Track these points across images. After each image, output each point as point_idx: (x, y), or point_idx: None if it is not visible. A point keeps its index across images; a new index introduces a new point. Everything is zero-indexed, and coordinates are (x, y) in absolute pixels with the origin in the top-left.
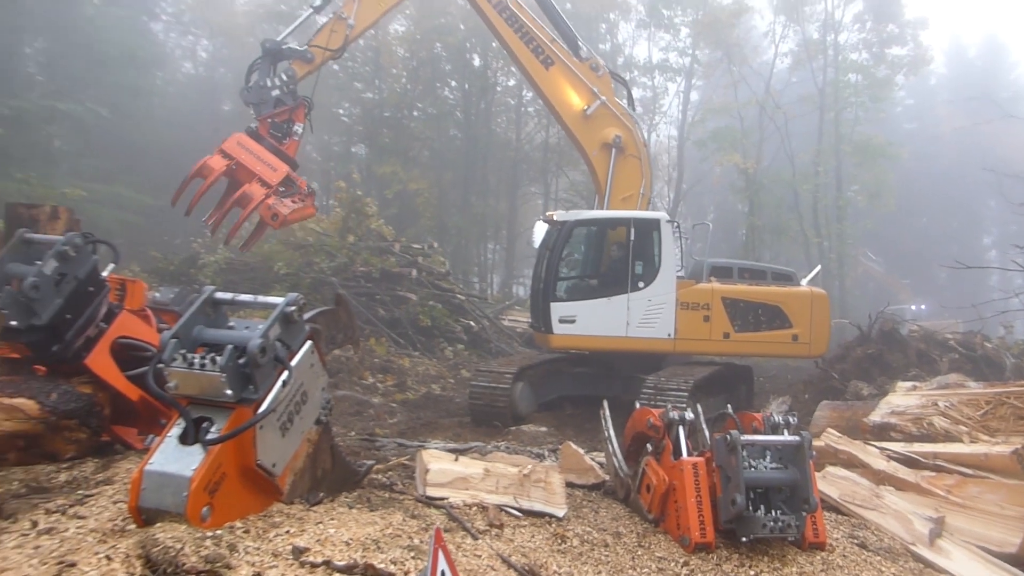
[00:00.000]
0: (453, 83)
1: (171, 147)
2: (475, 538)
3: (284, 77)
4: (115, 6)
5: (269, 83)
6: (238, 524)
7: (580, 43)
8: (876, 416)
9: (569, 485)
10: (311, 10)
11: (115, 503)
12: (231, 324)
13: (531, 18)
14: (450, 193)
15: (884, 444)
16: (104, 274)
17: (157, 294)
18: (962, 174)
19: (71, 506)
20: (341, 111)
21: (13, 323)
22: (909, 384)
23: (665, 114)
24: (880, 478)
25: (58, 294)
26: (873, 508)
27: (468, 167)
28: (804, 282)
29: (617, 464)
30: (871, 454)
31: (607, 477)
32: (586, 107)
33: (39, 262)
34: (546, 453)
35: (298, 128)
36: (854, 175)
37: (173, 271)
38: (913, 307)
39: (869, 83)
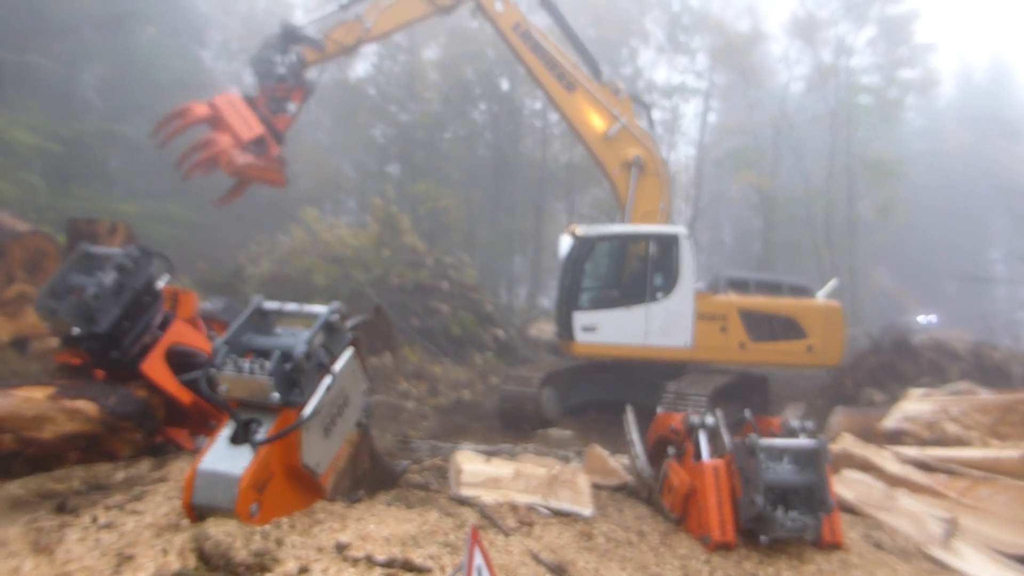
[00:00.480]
0: (483, 106)
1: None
2: (506, 535)
3: (294, 58)
4: (168, 35)
5: (278, 59)
6: (284, 520)
7: (601, 68)
8: (890, 422)
9: (595, 486)
10: (338, 7)
11: (170, 500)
12: (278, 332)
13: (554, 45)
14: (479, 210)
15: (898, 448)
16: (159, 285)
17: (207, 304)
18: (970, 190)
19: (129, 502)
20: (377, 132)
21: (75, 331)
22: (921, 391)
23: (684, 134)
24: (894, 481)
25: (117, 303)
26: (888, 510)
27: (496, 185)
28: (820, 295)
29: (640, 466)
30: (885, 458)
31: (631, 478)
32: (607, 129)
33: (99, 273)
34: (572, 455)
35: (292, 107)
36: (865, 192)
37: (220, 283)
38: (923, 318)
39: (880, 104)
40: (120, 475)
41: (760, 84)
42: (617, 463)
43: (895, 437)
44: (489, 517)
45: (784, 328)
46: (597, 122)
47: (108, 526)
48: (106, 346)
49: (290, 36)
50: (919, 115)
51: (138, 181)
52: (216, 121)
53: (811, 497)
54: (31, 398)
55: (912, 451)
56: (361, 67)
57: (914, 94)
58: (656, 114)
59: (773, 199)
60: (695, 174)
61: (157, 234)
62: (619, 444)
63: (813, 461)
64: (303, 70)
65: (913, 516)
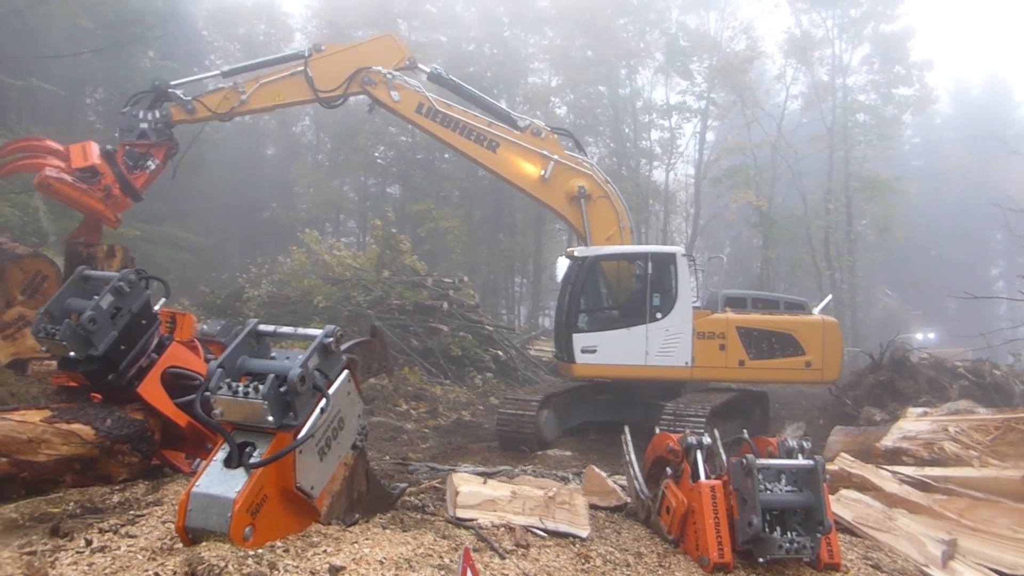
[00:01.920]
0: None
1: (219, 189)
2: (502, 558)
3: (157, 115)
4: (169, 59)
5: (142, 115)
6: (278, 543)
7: (514, 116)
8: (888, 441)
9: (592, 507)
10: (220, 72)
11: (164, 523)
12: (273, 355)
13: (463, 112)
14: (479, 230)
15: (896, 468)
16: (156, 308)
17: (205, 326)
18: (969, 208)
19: (123, 526)
20: (377, 154)
21: (72, 354)
22: (920, 410)
23: (682, 154)
24: (893, 501)
25: (113, 327)
26: (886, 530)
27: (496, 206)
28: (816, 311)
29: (638, 487)
30: (884, 478)
31: (629, 499)
32: (542, 172)
33: (96, 297)
34: (570, 476)
35: (151, 164)
36: (864, 210)
37: (220, 304)
38: (922, 336)
39: (877, 122)
40: (115, 498)
41: (757, 103)
42: (615, 484)
43: (894, 456)
44: (485, 539)
45: (782, 345)
46: (530, 169)
47: (102, 549)
48: (103, 369)
49: (160, 93)
50: (916, 133)
51: (139, 204)
52: (61, 155)
53: (809, 518)
54: (27, 421)
55: (911, 471)
56: None
57: (911, 112)
58: (655, 134)
59: (772, 218)
60: (694, 193)
61: (159, 256)
62: (618, 465)
63: (810, 481)
64: (168, 128)
65: (912, 537)
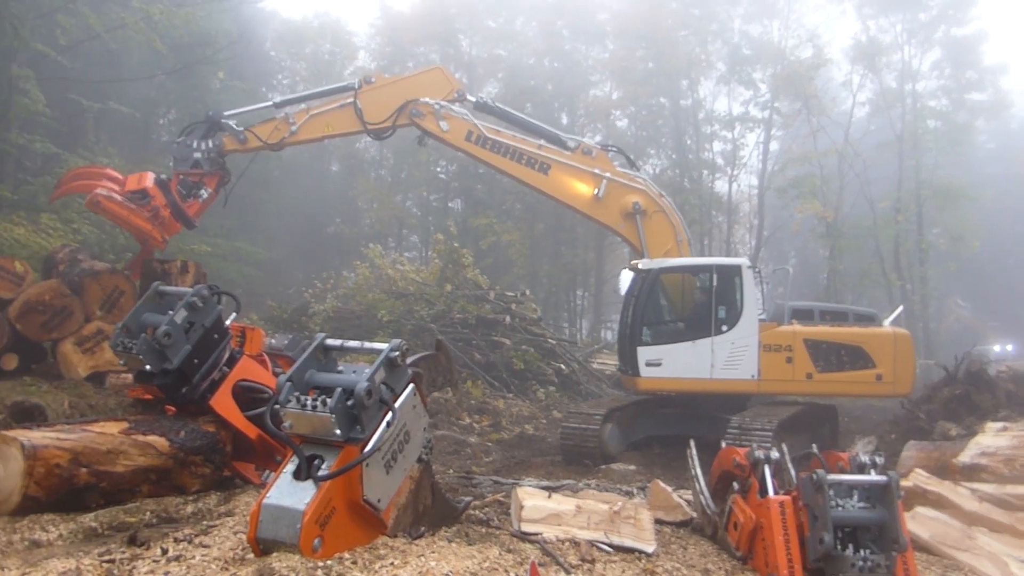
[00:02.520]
0: (543, 141)
1: (285, 206)
2: (568, 572)
3: (210, 144)
4: (237, 79)
5: (195, 145)
6: (346, 555)
7: (563, 136)
8: (965, 457)
9: (658, 522)
10: (271, 103)
11: (236, 533)
12: (340, 368)
13: (512, 136)
14: (541, 243)
15: (975, 485)
16: (227, 322)
17: (273, 340)
18: None
19: (197, 535)
20: (439, 169)
21: (148, 367)
22: (999, 425)
23: (745, 164)
24: (972, 519)
25: (187, 341)
26: (966, 550)
27: (557, 218)
28: (887, 323)
29: (704, 502)
30: (961, 495)
31: (695, 514)
32: (596, 191)
33: (171, 312)
34: (635, 491)
35: (204, 192)
36: (936, 218)
37: (286, 319)
38: (998, 348)
39: (948, 128)
40: (189, 508)
41: (823, 111)
42: (680, 498)
43: (971, 473)
44: (550, 554)
45: (852, 357)
46: (583, 188)
47: (177, 559)
48: (177, 382)
49: (212, 123)
50: (991, 138)
51: (210, 220)
52: (117, 181)
53: (882, 535)
54: (105, 433)
55: (990, 488)
56: None
57: (984, 117)
58: (717, 146)
59: (839, 228)
60: (758, 204)
61: (228, 272)
62: (683, 479)
63: (884, 497)
64: (221, 158)
65: (994, 557)
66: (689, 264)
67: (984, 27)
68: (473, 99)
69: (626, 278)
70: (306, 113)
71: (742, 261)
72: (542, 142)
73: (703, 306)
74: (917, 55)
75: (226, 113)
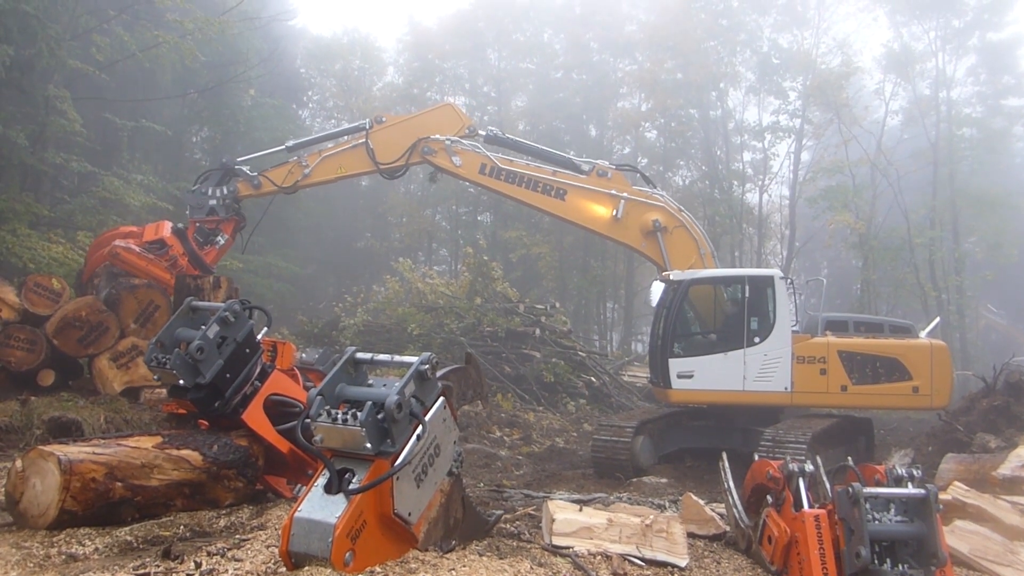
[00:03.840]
0: (571, 152)
1: (315, 221)
2: None
3: (225, 191)
4: (269, 96)
5: (210, 192)
6: (377, 569)
7: (576, 161)
8: (1006, 469)
9: (690, 535)
10: (283, 147)
11: (268, 547)
12: (370, 382)
13: (525, 166)
14: (571, 256)
15: (1016, 498)
16: (259, 337)
17: (304, 355)
18: None
19: (230, 549)
20: (467, 183)
21: (181, 382)
22: None
23: (776, 174)
24: (1014, 533)
25: (219, 355)
26: (1008, 564)
27: (587, 231)
28: (923, 334)
29: (738, 515)
30: (1002, 508)
31: (728, 528)
32: (614, 212)
33: (204, 327)
34: (667, 504)
35: (220, 239)
36: (972, 227)
37: (317, 333)
38: None
39: (985, 136)
40: (222, 522)
41: (855, 120)
42: (713, 512)
43: (1012, 485)
44: (582, 567)
45: (887, 369)
46: (601, 211)
47: (210, 572)
48: (209, 397)
49: (227, 170)
50: None
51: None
52: (135, 234)
53: (921, 550)
54: (140, 447)
55: None
56: None
57: (1022, 123)
58: (747, 156)
59: (872, 238)
60: (789, 214)
61: (260, 287)
62: (716, 492)
63: (922, 511)
64: (236, 203)
65: None
66: (721, 275)
67: (1021, 30)
68: (483, 133)
69: (657, 290)
70: (318, 155)
71: (774, 272)
72: (555, 168)
73: (735, 317)
74: (951, 61)
75: (239, 159)
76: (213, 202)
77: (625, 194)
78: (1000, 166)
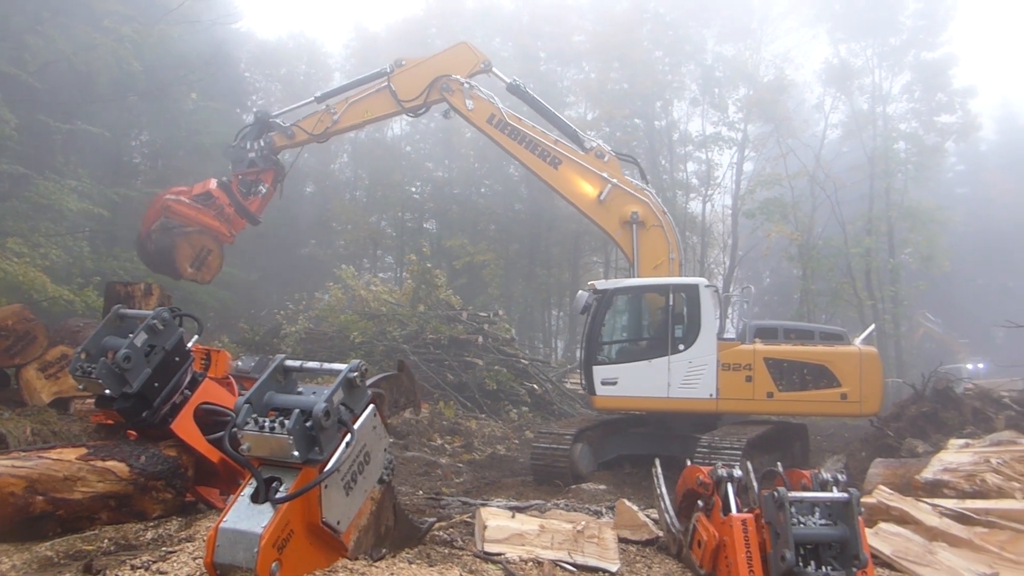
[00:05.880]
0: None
1: (260, 228)
2: None
3: (262, 143)
4: (211, 100)
5: (249, 146)
6: None
7: (582, 136)
8: (928, 473)
9: (623, 540)
10: (315, 98)
11: (195, 559)
12: (300, 390)
13: (531, 127)
14: (516, 264)
15: (936, 501)
16: (189, 345)
17: (239, 362)
18: (1017, 235)
19: (155, 562)
20: (413, 189)
21: (107, 391)
22: (962, 441)
23: (719, 185)
24: (933, 535)
25: (147, 364)
26: (926, 564)
27: (532, 239)
28: (857, 341)
29: (669, 520)
30: (923, 510)
31: (660, 533)
32: (599, 193)
33: (131, 335)
34: (603, 510)
35: (262, 188)
36: (906, 239)
37: (258, 341)
38: (971, 366)
39: (918, 151)
40: (149, 535)
41: (793, 134)
42: (647, 517)
43: (934, 489)
44: (513, 574)
45: (815, 376)
46: (588, 189)
47: None
48: (137, 406)
49: (262, 124)
50: (960, 160)
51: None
52: (184, 190)
53: (844, 552)
54: (63, 459)
55: (951, 503)
56: (397, 126)
57: (953, 139)
58: (691, 166)
59: (811, 248)
60: (731, 224)
61: (201, 294)
62: (652, 498)
63: (845, 514)
64: (273, 154)
65: (952, 571)
66: (646, 284)
67: (954, 51)
68: (507, 80)
69: (582, 298)
70: (345, 102)
71: (699, 280)
72: (559, 137)
73: (660, 325)
74: (888, 78)
75: (273, 112)
76: (252, 155)
77: (615, 180)
78: (932, 181)
